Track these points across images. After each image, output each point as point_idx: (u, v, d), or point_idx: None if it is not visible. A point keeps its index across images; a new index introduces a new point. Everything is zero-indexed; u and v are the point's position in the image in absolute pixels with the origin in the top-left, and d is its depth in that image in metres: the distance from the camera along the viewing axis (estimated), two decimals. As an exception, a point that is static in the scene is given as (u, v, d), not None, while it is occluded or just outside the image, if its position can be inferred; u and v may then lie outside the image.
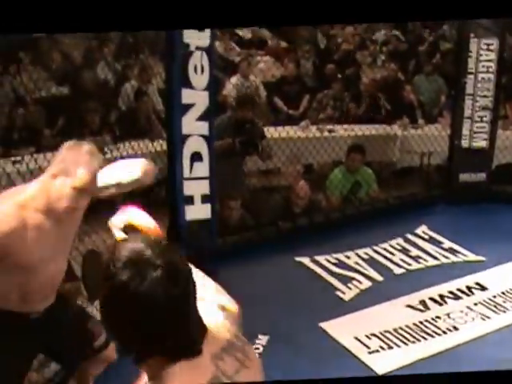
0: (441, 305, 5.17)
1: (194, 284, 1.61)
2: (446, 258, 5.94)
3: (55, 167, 3.00)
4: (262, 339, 4.58)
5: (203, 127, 5.26)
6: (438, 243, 6.19)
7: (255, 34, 10.47)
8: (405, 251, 6.05)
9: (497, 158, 7.50)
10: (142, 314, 1.53)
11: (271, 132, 7.24)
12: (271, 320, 4.76)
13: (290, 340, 4.55)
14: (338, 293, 5.36)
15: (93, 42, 9.19)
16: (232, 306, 1.87)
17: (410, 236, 6.32)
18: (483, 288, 5.41)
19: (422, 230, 6.43)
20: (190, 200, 5.27)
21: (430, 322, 4.93)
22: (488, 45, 6.86)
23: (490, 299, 5.25)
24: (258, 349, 4.42)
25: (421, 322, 4.93)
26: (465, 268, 5.74)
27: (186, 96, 5.12)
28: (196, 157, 5.25)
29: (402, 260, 5.90)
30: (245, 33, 10.42)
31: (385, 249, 6.07)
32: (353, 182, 6.97)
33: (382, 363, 4.45)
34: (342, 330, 4.77)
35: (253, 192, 6.76)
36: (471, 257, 5.93)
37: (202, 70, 5.17)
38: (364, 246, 6.06)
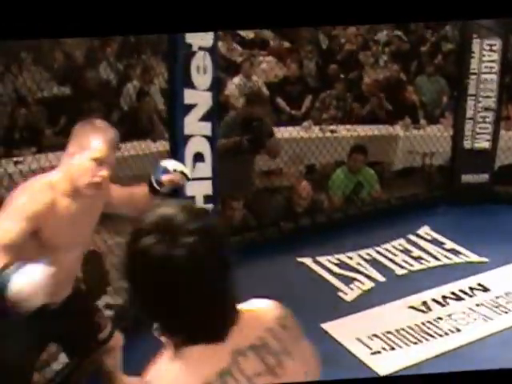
0: (443, 306, 5.15)
1: (231, 258, 1.49)
2: (449, 258, 5.93)
3: (71, 147, 3.02)
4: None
5: (206, 128, 5.26)
6: (440, 244, 6.18)
7: (258, 35, 10.47)
8: (407, 252, 6.05)
9: (499, 159, 7.49)
10: (166, 283, 1.43)
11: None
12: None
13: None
14: (340, 293, 5.35)
15: (95, 42, 9.18)
16: (279, 308, 1.69)
17: (412, 237, 6.31)
18: (485, 289, 5.40)
19: (424, 230, 6.42)
20: (192, 201, 5.27)
21: (432, 323, 4.92)
22: (491, 45, 6.85)
23: (492, 300, 5.23)
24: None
25: (423, 323, 4.91)
26: (467, 269, 5.72)
27: (189, 96, 5.12)
28: (198, 157, 5.24)
29: (404, 261, 5.89)
30: (247, 33, 10.43)
31: (387, 249, 6.06)
32: (355, 182, 6.96)
33: (384, 364, 4.44)
34: (344, 330, 4.77)
35: (255, 192, 6.75)
36: (473, 258, 5.92)
37: (205, 71, 5.17)
38: (366, 247, 6.05)
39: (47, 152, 6.47)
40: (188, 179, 3.48)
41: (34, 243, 2.93)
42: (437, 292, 5.31)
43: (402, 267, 5.79)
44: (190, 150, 5.17)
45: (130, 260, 1.48)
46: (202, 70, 5.15)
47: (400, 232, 6.34)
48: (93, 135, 2.98)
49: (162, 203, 1.56)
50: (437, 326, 4.88)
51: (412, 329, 4.84)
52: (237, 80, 8.57)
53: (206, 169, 5.30)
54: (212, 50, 5.23)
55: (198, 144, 5.21)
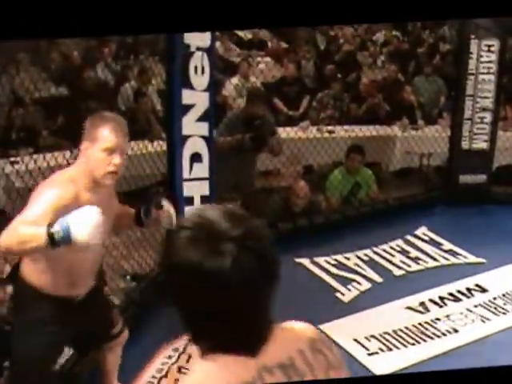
0: (441, 307, 5.15)
1: (276, 270, 1.45)
2: (446, 259, 5.93)
3: (83, 142, 3.13)
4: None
5: (203, 128, 5.25)
6: (437, 245, 6.17)
7: (255, 35, 10.48)
8: (404, 253, 6.04)
9: (497, 160, 7.49)
10: (204, 290, 1.37)
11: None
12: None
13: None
14: (338, 294, 5.34)
15: (92, 42, 9.19)
16: (314, 331, 1.65)
17: (409, 237, 6.30)
18: (483, 290, 5.39)
19: (421, 231, 6.42)
20: (189, 201, 5.27)
21: (429, 324, 4.91)
22: (489, 46, 6.85)
23: (490, 301, 5.23)
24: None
25: (420, 324, 4.91)
26: (465, 270, 5.72)
27: (186, 97, 5.11)
28: (196, 158, 5.24)
29: (401, 261, 5.88)
30: (245, 34, 10.43)
31: (384, 250, 6.06)
32: (353, 182, 6.96)
33: (382, 365, 4.43)
34: (341, 331, 4.75)
35: (252, 193, 6.74)
36: (471, 258, 5.92)
37: (203, 71, 5.16)
38: (364, 248, 6.04)
39: (44, 152, 6.47)
40: (171, 224, 3.43)
41: None
42: (434, 293, 5.30)
43: (400, 268, 5.79)
44: (188, 150, 5.17)
45: (168, 265, 1.43)
46: (199, 71, 5.14)
47: (398, 233, 6.33)
48: (101, 127, 3.09)
49: (202, 207, 1.49)
50: (434, 327, 4.88)
51: (410, 330, 4.83)
52: (234, 80, 8.56)
53: (203, 169, 5.29)
54: (210, 51, 5.22)
55: (195, 144, 5.21)
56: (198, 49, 5.11)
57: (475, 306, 5.16)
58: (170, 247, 1.42)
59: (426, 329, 4.85)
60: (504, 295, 5.31)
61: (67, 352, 3.42)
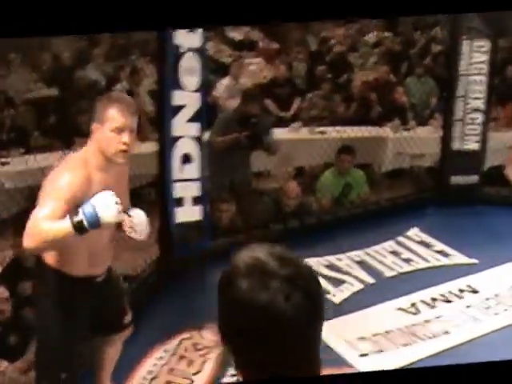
0: (432, 308, 5.15)
1: (321, 311, 1.42)
2: (438, 260, 5.93)
3: (94, 123, 3.27)
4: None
5: (194, 129, 5.24)
6: (429, 246, 6.17)
7: (246, 36, 10.46)
8: (396, 254, 6.04)
9: (488, 161, 7.49)
10: (255, 326, 1.36)
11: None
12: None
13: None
14: (329, 295, 5.33)
15: (83, 43, 9.16)
16: None
17: (401, 238, 6.30)
18: (475, 291, 5.39)
19: (413, 232, 6.41)
20: (180, 202, 5.25)
21: (421, 325, 4.91)
22: (480, 47, 6.85)
23: (481, 302, 5.23)
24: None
25: (412, 325, 4.91)
26: (456, 271, 5.72)
27: (177, 97, 5.10)
28: (186, 158, 5.22)
29: (393, 262, 5.88)
30: (236, 34, 10.41)
31: (376, 251, 6.05)
32: (344, 183, 6.95)
33: (373, 366, 4.42)
34: (333, 332, 4.74)
35: (246, 194, 6.73)
36: (463, 259, 5.92)
37: (194, 72, 5.15)
38: (355, 249, 6.03)
39: (35, 153, 6.45)
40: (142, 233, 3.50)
41: None
42: (426, 294, 5.30)
43: (391, 269, 5.78)
44: (179, 150, 5.16)
45: (223, 303, 1.44)
46: (190, 71, 5.13)
47: (389, 234, 6.33)
48: (109, 107, 3.23)
49: (252, 247, 1.48)
50: (426, 328, 4.87)
51: (401, 331, 4.83)
52: (226, 81, 8.55)
53: (194, 170, 5.28)
54: (201, 51, 5.21)
55: (186, 145, 5.20)
56: (189, 49, 5.10)
57: (467, 307, 5.16)
58: (226, 293, 1.42)
59: (418, 330, 4.85)
60: (495, 296, 5.31)
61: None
